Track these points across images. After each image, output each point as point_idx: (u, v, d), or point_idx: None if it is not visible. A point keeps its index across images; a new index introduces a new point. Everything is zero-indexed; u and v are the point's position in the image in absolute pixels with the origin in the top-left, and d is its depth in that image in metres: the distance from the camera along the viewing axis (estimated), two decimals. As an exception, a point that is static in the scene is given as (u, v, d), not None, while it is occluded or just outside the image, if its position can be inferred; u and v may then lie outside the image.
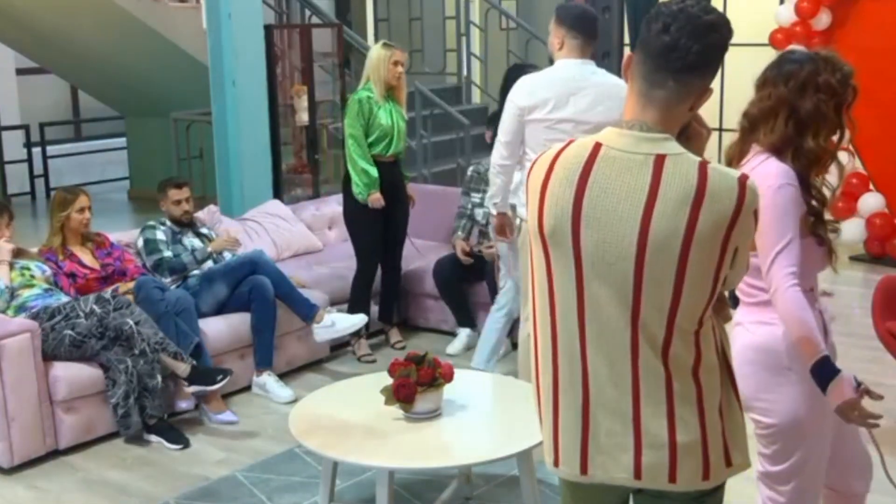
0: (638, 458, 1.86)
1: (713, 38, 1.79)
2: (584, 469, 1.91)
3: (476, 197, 5.57)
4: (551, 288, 1.89)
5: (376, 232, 5.33)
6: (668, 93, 1.81)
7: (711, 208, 1.75)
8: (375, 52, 5.27)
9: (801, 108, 2.42)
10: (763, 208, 2.37)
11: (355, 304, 5.34)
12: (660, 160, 1.78)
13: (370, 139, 5.20)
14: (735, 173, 1.81)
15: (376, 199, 5.18)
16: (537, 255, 1.91)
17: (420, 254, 5.87)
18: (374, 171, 5.16)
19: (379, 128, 5.21)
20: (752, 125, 2.50)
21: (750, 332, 2.50)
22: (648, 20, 1.82)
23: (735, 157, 2.55)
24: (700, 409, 1.84)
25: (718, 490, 1.95)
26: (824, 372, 2.33)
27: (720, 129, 8.45)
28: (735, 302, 2.61)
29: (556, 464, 1.96)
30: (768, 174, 2.40)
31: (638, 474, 1.87)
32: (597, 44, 4.04)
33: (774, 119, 2.45)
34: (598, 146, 1.84)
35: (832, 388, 2.31)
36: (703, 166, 1.78)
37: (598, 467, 1.90)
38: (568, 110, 3.88)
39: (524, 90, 3.94)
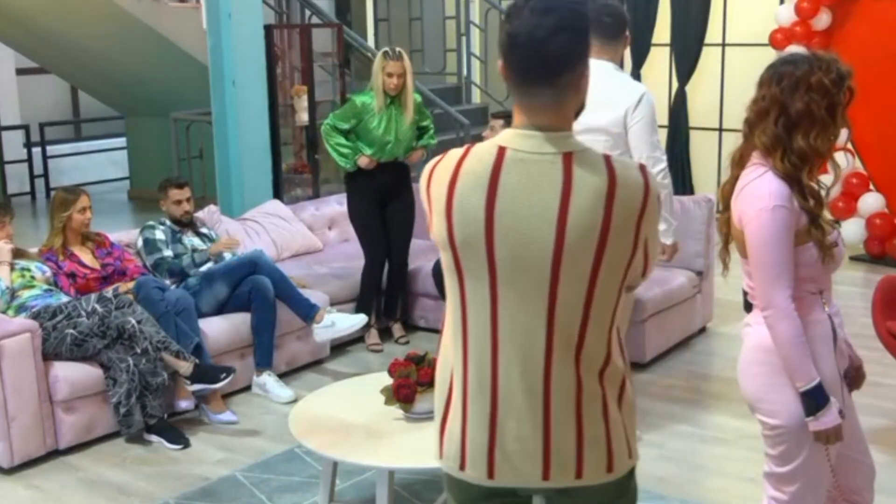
0: (547, 460, 1.87)
1: (564, 37, 1.76)
2: (490, 474, 1.90)
3: None
4: (463, 297, 1.87)
5: (379, 225, 5.37)
6: (545, 99, 1.80)
7: (624, 200, 1.77)
8: (375, 61, 5.30)
9: (792, 108, 2.42)
10: (757, 229, 2.39)
11: (361, 300, 5.43)
12: (568, 157, 1.79)
13: (358, 143, 5.28)
14: (633, 163, 1.85)
15: (365, 161, 5.24)
16: (447, 265, 1.88)
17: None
18: (350, 146, 5.25)
19: (368, 133, 5.24)
20: (750, 128, 2.50)
21: (759, 334, 2.50)
22: (501, 30, 1.81)
23: (736, 161, 2.55)
24: (604, 406, 1.86)
25: (625, 486, 1.95)
26: (818, 397, 2.39)
27: (720, 130, 8.47)
28: (749, 307, 2.62)
29: (462, 468, 1.93)
30: (762, 195, 2.40)
31: (546, 475, 1.88)
32: (623, 42, 4.00)
33: (767, 119, 2.45)
34: (502, 150, 1.81)
35: (822, 415, 2.39)
36: (608, 159, 1.81)
37: (505, 473, 1.89)
38: None
39: None
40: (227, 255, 5.16)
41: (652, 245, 1.88)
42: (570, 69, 1.79)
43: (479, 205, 1.80)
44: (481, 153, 1.84)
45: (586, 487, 1.90)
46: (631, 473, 1.95)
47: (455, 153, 1.88)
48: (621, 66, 4.16)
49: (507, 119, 4.45)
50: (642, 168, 1.83)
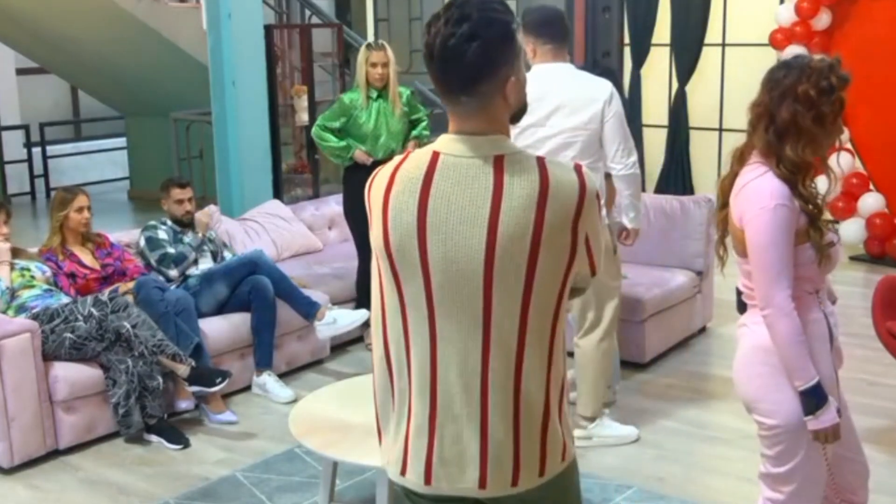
0: (483, 467, 1.83)
1: (476, 45, 1.74)
2: (427, 479, 1.87)
3: None
4: (402, 302, 1.84)
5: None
6: (467, 107, 1.79)
7: (557, 201, 1.75)
8: (358, 54, 5.34)
9: (778, 117, 2.43)
10: (758, 228, 2.38)
11: (359, 299, 5.45)
12: (499, 160, 1.77)
13: (350, 140, 5.30)
14: (568, 164, 1.82)
15: (361, 154, 5.27)
16: (385, 272, 1.86)
17: None
18: (342, 144, 5.29)
19: (358, 129, 5.27)
20: (752, 129, 2.51)
21: (756, 334, 2.50)
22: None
23: (737, 158, 2.55)
24: (545, 413, 1.83)
25: (562, 486, 1.91)
26: (817, 396, 2.40)
27: (720, 130, 8.47)
28: (742, 308, 2.62)
29: (402, 472, 1.90)
30: (763, 194, 2.41)
31: (483, 483, 1.84)
32: (567, 42, 4.05)
33: (760, 125, 2.47)
34: (436, 155, 1.81)
35: (821, 413, 2.40)
36: (541, 161, 1.79)
37: (441, 479, 1.86)
38: (530, 117, 3.93)
39: None
40: (227, 255, 5.16)
41: (595, 243, 1.84)
42: (489, 77, 1.76)
43: (412, 210, 1.79)
44: (417, 158, 1.84)
45: (520, 496, 1.85)
46: (565, 472, 1.90)
47: (396, 160, 1.89)
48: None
49: None
50: (578, 168, 1.80)
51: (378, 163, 5.31)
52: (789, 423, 2.46)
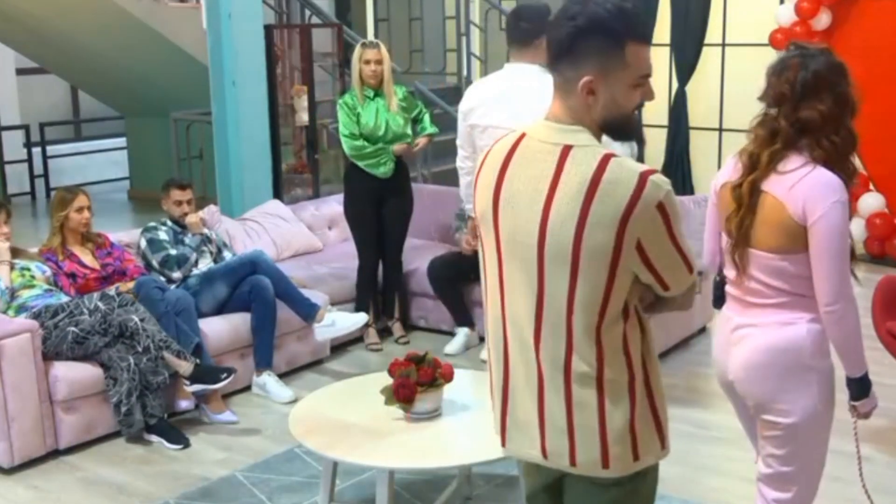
0: (543, 438, 1.95)
1: (569, 25, 1.84)
2: (503, 441, 2.05)
3: None
4: (485, 271, 2.02)
5: (372, 226, 5.39)
6: (555, 84, 1.91)
7: (604, 198, 1.79)
8: (353, 53, 5.37)
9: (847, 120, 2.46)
10: (832, 221, 2.34)
11: (358, 299, 5.47)
12: (566, 150, 1.85)
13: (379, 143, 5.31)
14: (639, 167, 1.82)
15: (400, 148, 5.30)
16: (481, 241, 2.02)
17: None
18: (378, 145, 5.27)
19: (363, 128, 5.28)
20: (804, 131, 2.44)
21: (769, 334, 2.49)
22: None
23: (766, 162, 2.45)
24: (600, 406, 1.89)
25: (632, 484, 1.97)
26: (867, 383, 2.53)
27: (720, 130, 8.47)
28: (720, 303, 2.63)
29: (502, 442, 2.07)
30: (834, 187, 2.37)
31: (544, 453, 1.96)
32: (525, 44, 4.00)
33: (834, 129, 2.42)
34: (522, 136, 1.94)
35: (868, 399, 2.53)
36: (605, 158, 1.83)
37: (513, 441, 2.02)
38: (494, 117, 3.96)
39: (466, 95, 4.11)
40: (227, 255, 5.16)
41: (657, 255, 1.85)
42: (568, 61, 1.86)
43: (492, 184, 1.94)
44: (507, 138, 1.98)
45: (587, 478, 1.94)
46: (637, 477, 1.96)
47: (501, 136, 2.03)
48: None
49: None
50: (646, 174, 1.81)
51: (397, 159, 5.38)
52: (806, 421, 2.48)
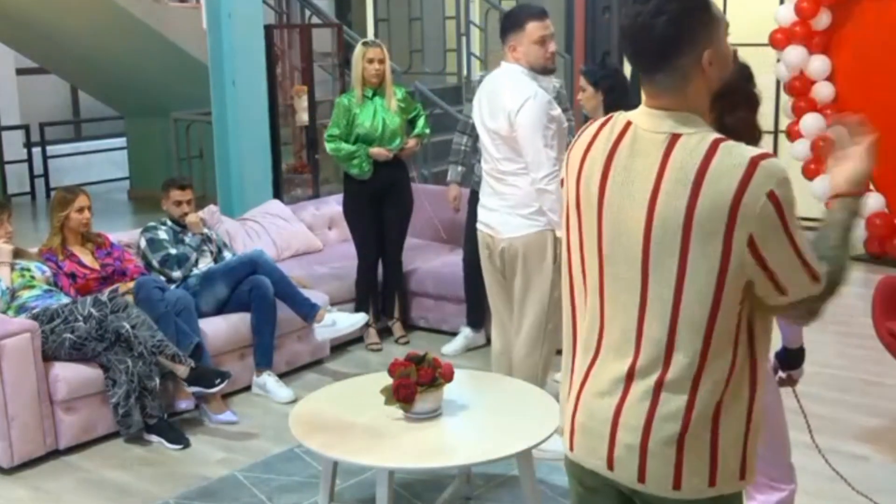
0: (611, 449, 1.81)
1: (664, 19, 1.72)
2: (571, 445, 1.90)
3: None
4: (583, 264, 1.86)
5: (371, 226, 5.40)
6: (664, 84, 1.76)
7: (711, 188, 1.66)
8: (355, 52, 5.35)
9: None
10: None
11: (359, 300, 5.47)
12: (674, 139, 1.73)
13: (351, 140, 5.30)
14: (751, 151, 1.68)
15: (378, 151, 5.27)
16: (573, 231, 1.88)
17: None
18: (354, 147, 5.28)
19: (360, 128, 5.28)
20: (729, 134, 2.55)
21: None
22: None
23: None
24: (686, 417, 1.74)
25: None
26: (804, 353, 2.77)
27: (720, 129, 8.46)
28: None
29: (563, 432, 1.95)
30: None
31: (610, 463, 1.82)
32: (505, 43, 4.02)
33: (750, 129, 2.55)
34: (628, 125, 1.81)
35: (801, 368, 2.78)
36: (714, 144, 1.70)
37: (581, 448, 1.87)
38: (478, 117, 4.00)
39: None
40: (227, 255, 5.16)
41: (773, 253, 1.68)
42: (683, 51, 1.73)
43: (597, 177, 1.81)
44: (613, 124, 1.84)
45: (652, 498, 1.80)
46: (712, 501, 1.79)
47: (597, 123, 1.89)
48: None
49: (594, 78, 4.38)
50: (756, 158, 1.66)
51: (380, 165, 5.37)
52: (771, 398, 2.61)
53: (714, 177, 1.66)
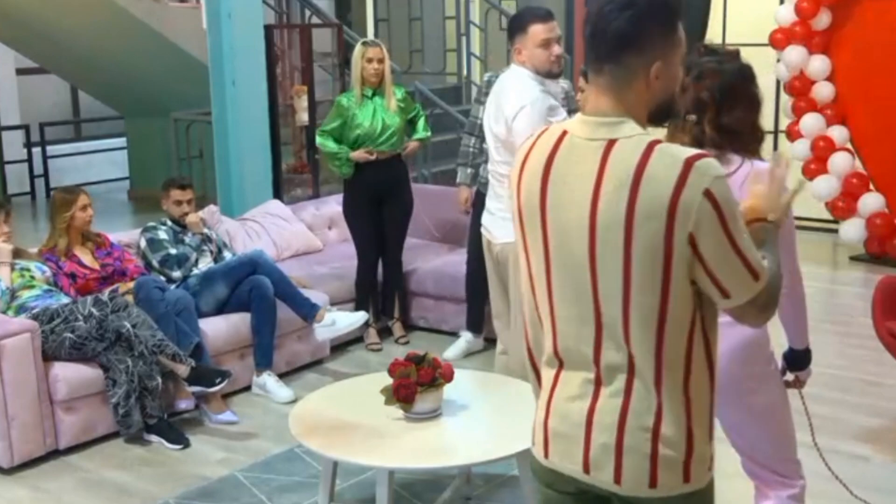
0: (587, 451, 1.81)
1: (628, 13, 1.74)
2: (545, 453, 1.90)
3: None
4: (531, 277, 1.89)
5: (371, 226, 5.41)
6: (609, 78, 1.78)
7: (648, 190, 1.68)
8: (354, 51, 5.36)
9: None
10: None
11: (359, 300, 5.48)
12: (610, 144, 1.74)
13: (350, 140, 5.31)
14: (686, 152, 1.70)
15: (359, 153, 5.29)
16: (522, 244, 1.91)
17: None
18: (336, 148, 5.31)
19: (358, 128, 5.29)
20: (727, 134, 2.54)
21: (738, 332, 2.52)
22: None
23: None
24: (657, 417, 1.77)
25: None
26: (810, 354, 2.71)
27: (720, 129, 8.46)
28: None
29: (533, 441, 1.95)
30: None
31: (587, 468, 1.82)
32: (525, 44, 4.00)
33: (751, 129, 2.56)
34: (563, 134, 1.82)
35: (809, 369, 2.73)
36: (650, 146, 1.71)
37: (556, 454, 1.88)
38: (485, 119, 4.02)
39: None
40: (227, 255, 5.16)
41: (713, 256, 1.70)
42: (634, 49, 1.75)
43: (536, 189, 1.82)
44: (549, 135, 1.86)
45: (629, 499, 1.80)
46: (687, 499, 1.80)
47: (535, 135, 1.90)
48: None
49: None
50: (691, 158, 1.68)
51: (378, 166, 5.38)
52: (779, 403, 2.64)
53: (650, 178, 1.68)
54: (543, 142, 1.85)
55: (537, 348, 1.97)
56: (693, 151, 1.71)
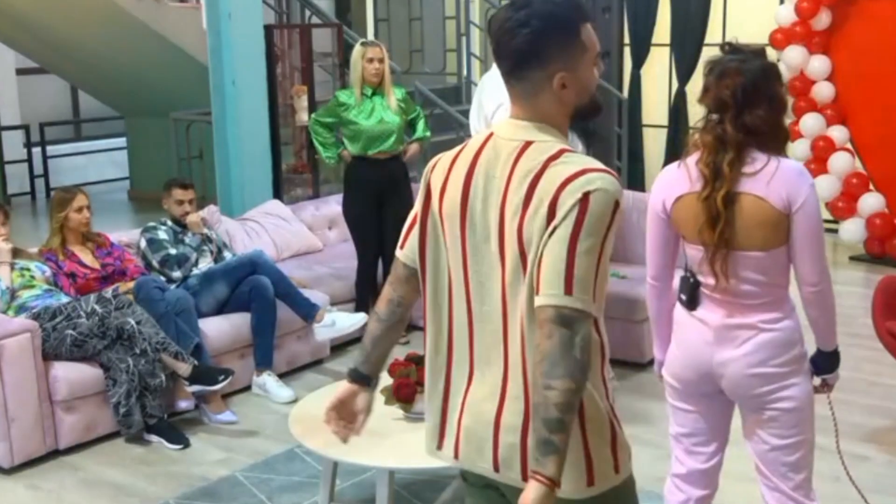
0: (496, 450, 1.84)
1: (525, 32, 1.77)
2: (455, 453, 1.93)
3: None
4: (449, 273, 1.91)
5: (371, 226, 5.40)
6: (518, 90, 1.83)
7: (543, 188, 1.74)
8: (354, 51, 5.37)
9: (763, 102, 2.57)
10: (815, 203, 2.45)
11: (359, 300, 5.48)
12: (525, 146, 1.80)
13: (358, 144, 5.36)
14: (591, 163, 1.74)
15: (348, 154, 5.41)
16: (443, 240, 1.91)
17: None
18: (318, 131, 5.44)
19: (356, 127, 5.29)
20: (750, 134, 2.51)
21: (771, 331, 2.54)
22: None
23: (728, 171, 2.47)
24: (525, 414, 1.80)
25: None
26: (839, 356, 2.66)
27: (720, 129, 8.46)
28: (694, 304, 2.62)
29: (439, 447, 1.96)
30: (804, 172, 2.50)
31: (496, 466, 1.85)
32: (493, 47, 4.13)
33: (774, 129, 2.53)
34: (490, 135, 1.89)
35: (837, 371, 2.67)
36: (560, 152, 1.77)
37: (466, 455, 1.91)
38: (469, 117, 4.10)
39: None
40: (228, 255, 5.16)
41: (548, 251, 1.71)
42: (534, 66, 1.79)
43: (460, 185, 1.87)
44: (477, 137, 1.92)
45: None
46: (595, 500, 1.82)
47: (463, 143, 1.96)
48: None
49: None
50: (589, 168, 1.73)
51: (372, 159, 5.39)
52: (807, 403, 2.60)
53: (547, 178, 1.74)
54: (471, 143, 1.92)
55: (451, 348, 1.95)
56: (599, 165, 1.75)
